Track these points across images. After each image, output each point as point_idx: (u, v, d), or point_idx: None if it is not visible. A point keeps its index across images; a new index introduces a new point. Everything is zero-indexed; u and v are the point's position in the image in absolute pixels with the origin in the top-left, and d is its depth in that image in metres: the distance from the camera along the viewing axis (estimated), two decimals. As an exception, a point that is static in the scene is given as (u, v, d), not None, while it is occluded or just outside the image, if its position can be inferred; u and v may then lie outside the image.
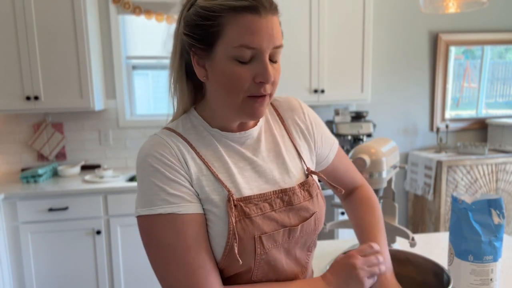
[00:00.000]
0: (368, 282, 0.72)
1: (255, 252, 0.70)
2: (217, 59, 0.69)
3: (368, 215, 0.91)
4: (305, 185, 0.80)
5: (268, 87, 0.70)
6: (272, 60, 0.71)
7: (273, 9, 0.68)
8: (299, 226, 0.76)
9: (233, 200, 0.70)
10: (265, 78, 0.68)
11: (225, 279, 0.72)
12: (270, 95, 0.73)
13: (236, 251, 0.67)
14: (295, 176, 0.80)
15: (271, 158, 0.79)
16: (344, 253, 0.78)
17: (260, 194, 0.74)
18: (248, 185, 0.74)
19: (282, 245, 0.74)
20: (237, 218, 0.69)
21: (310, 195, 0.79)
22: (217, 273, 0.70)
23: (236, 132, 0.77)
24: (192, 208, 0.69)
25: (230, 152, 0.76)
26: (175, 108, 0.81)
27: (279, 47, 0.70)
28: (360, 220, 0.91)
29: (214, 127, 0.77)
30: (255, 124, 0.81)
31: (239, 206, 0.70)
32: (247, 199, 0.72)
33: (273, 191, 0.75)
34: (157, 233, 0.68)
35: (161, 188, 0.68)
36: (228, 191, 0.71)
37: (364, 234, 0.87)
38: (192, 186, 0.71)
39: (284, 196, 0.76)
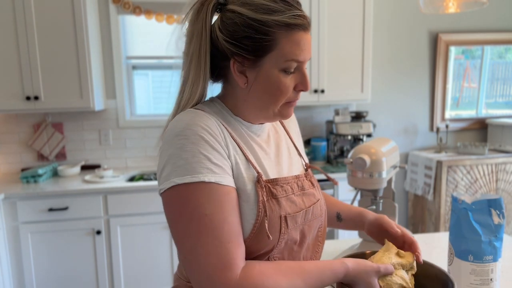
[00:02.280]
0: None
1: (280, 232, 0.74)
2: (265, 69, 0.74)
3: (330, 198, 1.09)
4: (307, 176, 0.87)
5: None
6: None
7: (310, 24, 0.76)
8: (312, 208, 0.82)
9: (262, 181, 0.74)
10: (305, 87, 0.77)
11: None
12: None
13: (267, 228, 0.71)
14: (298, 169, 0.88)
15: (278, 151, 0.86)
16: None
17: (284, 177, 0.80)
18: (270, 170, 0.79)
19: (299, 226, 0.79)
20: (265, 197, 0.74)
21: (313, 184, 0.87)
22: (243, 249, 0.70)
23: (255, 124, 0.83)
24: (231, 181, 0.71)
25: (251, 140, 0.81)
26: (183, 103, 0.79)
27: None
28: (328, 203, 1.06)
29: (236, 115, 0.82)
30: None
31: (267, 187, 0.75)
32: (274, 181, 0.77)
33: (291, 176, 0.82)
34: (194, 202, 0.67)
35: (206, 157, 0.68)
36: (258, 172, 0.75)
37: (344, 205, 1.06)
38: (229, 159, 0.73)
39: (298, 182, 0.83)
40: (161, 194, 0.71)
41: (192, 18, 0.76)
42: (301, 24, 0.72)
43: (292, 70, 0.74)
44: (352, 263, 0.75)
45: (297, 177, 0.83)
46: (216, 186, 0.68)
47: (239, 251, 0.68)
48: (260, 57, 0.73)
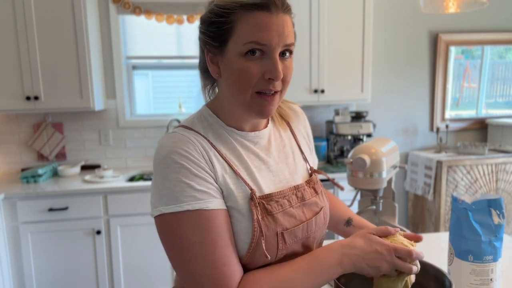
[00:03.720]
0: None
1: (277, 248, 0.72)
2: (229, 55, 0.71)
3: (342, 204, 1.08)
4: (310, 182, 0.84)
5: (277, 84, 0.72)
6: (284, 58, 0.72)
7: (285, 8, 0.70)
8: (313, 219, 0.79)
9: (255, 198, 0.72)
10: (274, 75, 0.70)
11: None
12: (281, 92, 0.75)
13: (264, 247, 0.69)
14: (302, 175, 0.84)
15: (280, 158, 0.83)
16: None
17: (279, 191, 0.76)
18: (265, 183, 0.76)
19: (301, 240, 0.77)
20: (260, 215, 0.71)
21: (316, 191, 0.84)
22: (240, 268, 0.70)
23: (250, 132, 0.79)
24: (218, 203, 0.70)
25: (247, 151, 0.78)
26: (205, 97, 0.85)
27: (290, 45, 0.71)
28: (339, 207, 1.06)
29: (230, 126, 0.78)
30: (266, 126, 0.84)
31: (262, 204, 0.72)
32: (269, 197, 0.74)
33: (288, 188, 0.78)
34: (182, 230, 0.66)
35: (188, 185, 0.68)
36: (251, 189, 0.73)
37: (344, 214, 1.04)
38: (216, 183, 0.71)
39: (298, 193, 0.79)
40: (154, 218, 0.71)
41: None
42: (259, 4, 0.67)
43: (256, 54, 0.69)
44: (342, 240, 0.74)
45: (296, 187, 0.80)
46: (202, 213, 0.67)
47: (236, 271, 0.68)
48: (224, 42, 0.70)
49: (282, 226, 0.73)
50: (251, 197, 0.72)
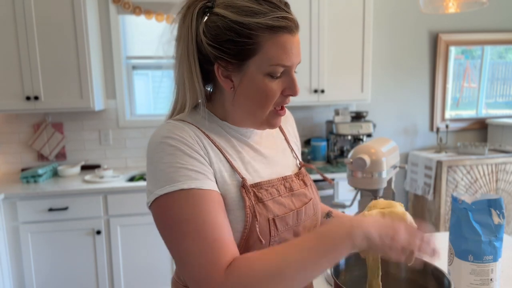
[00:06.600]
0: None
1: (269, 235, 0.74)
2: (249, 73, 0.72)
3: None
4: (299, 175, 0.87)
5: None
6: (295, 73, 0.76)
7: (298, 27, 0.73)
8: (303, 208, 0.82)
9: (247, 185, 0.74)
10: (293, 92, 0.74)
11: None
12: None
13: (258, 231, 0.71)
14: (291, 169, 0.88)
15: (272, 153, 0.86)
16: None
17: (268, 180, 0.79)
18: (257, 173, 0.79)
19: (292, 227, 0.79)
20: (253, 202, 0.73)
21: (305, 183, 0.87)
22: (235, 248, 0.67)
23: (243, 128, 0.81)
24: (212, 185, 0.70)
25: (241, 142, 0.80)
26: (179, 107, 0.80)
27: (299, 62, 0.75)
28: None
29: (223, 120, 0.80)
30: None
31: (252, 192, 0.75)
32: (259, 185, 0.76)
33: (277, 178, 0.81)
34: (174, 210, 0.66)
35: (183, 165, 0.68)
36: (242, 177, 0.74)
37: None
38: (211, 167, 0.73)
39: (286, 183, 0.82)
40: (149, 208, 0.71)
41: (180, 21, 0.75)
42: (286, 27, 0.69)
43: (279, 74, 0.72)
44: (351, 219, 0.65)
45: (284, 178, 0.82)
46: (195, 191, 0.67)
47: (228, 248, 0.65)
48: (244, 60, 0.70)
49: (273, 213, 0.75)
50: (243, 185, 0.73)
